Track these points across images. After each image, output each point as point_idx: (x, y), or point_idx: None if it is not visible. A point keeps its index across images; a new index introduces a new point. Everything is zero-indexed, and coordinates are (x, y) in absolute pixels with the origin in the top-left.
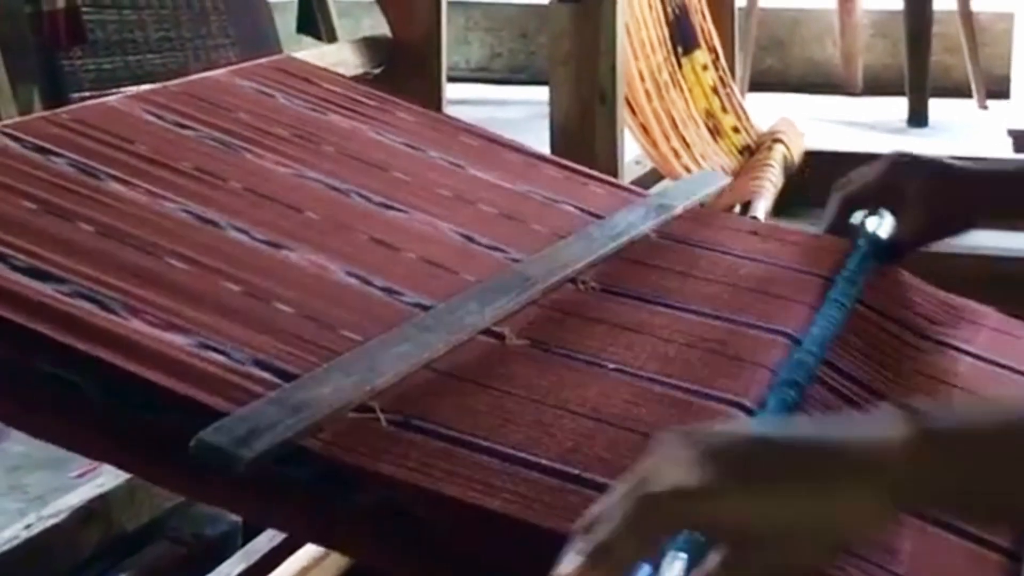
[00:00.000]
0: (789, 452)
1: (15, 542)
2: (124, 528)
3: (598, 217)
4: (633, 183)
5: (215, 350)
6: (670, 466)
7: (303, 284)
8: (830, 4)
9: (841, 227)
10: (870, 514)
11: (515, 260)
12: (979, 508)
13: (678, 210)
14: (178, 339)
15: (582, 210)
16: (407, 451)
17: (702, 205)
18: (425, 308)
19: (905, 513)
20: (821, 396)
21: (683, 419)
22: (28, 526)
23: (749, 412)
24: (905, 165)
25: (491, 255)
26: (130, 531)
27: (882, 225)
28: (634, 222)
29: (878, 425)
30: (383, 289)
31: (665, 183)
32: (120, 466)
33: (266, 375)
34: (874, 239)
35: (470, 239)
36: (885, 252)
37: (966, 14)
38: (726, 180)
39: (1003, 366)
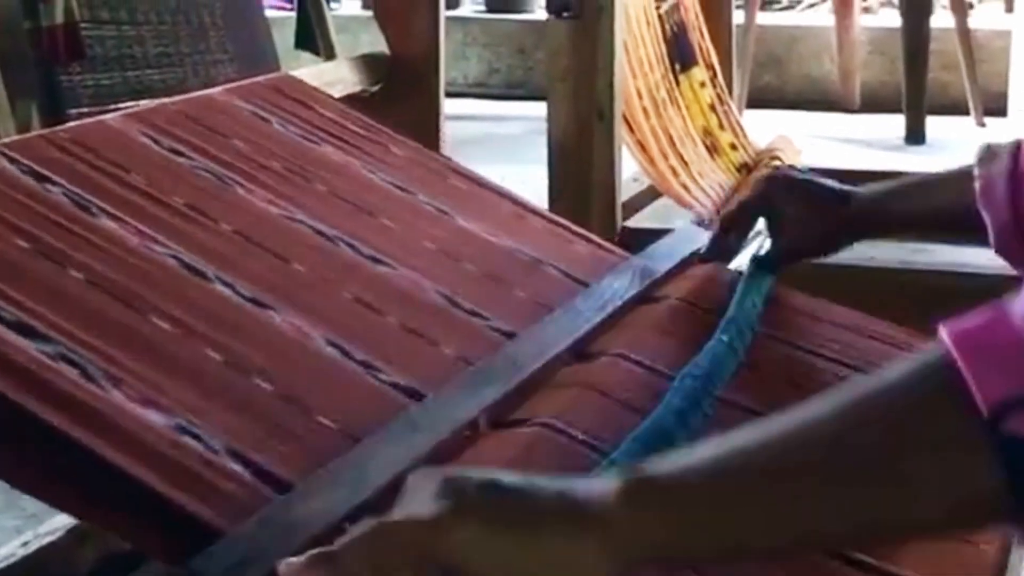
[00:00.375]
0: (520, 499)
1: (11, 560)
2: (120, 547)
3: (581, 283)
4: (631, 200)
5: (190, 435)
6: (411, 498)
7: (285, 354)
8: (828, 21)
9: (717, 251)
10: (586, 566)
11: (495, 329)
12: (706, 553)
13: (661, 273)
14: (156, 418)
15: (566, 274)
16: None
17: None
18: (400, 388)
19: (631, 567)
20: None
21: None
22: (25, 544)
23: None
24: (779, 185)
25: (472, 322)
26: (125, 550)
27: (762, 247)
28: (619, 290)
29: (601, 479)
30: (362, 363)
31: (663, 202)
32: (97, 524)
33: (236, 467)
34: (753, 260)
35: (453, 303)
36: (764, 267)
37: (964, 31)
38: (707, 236)
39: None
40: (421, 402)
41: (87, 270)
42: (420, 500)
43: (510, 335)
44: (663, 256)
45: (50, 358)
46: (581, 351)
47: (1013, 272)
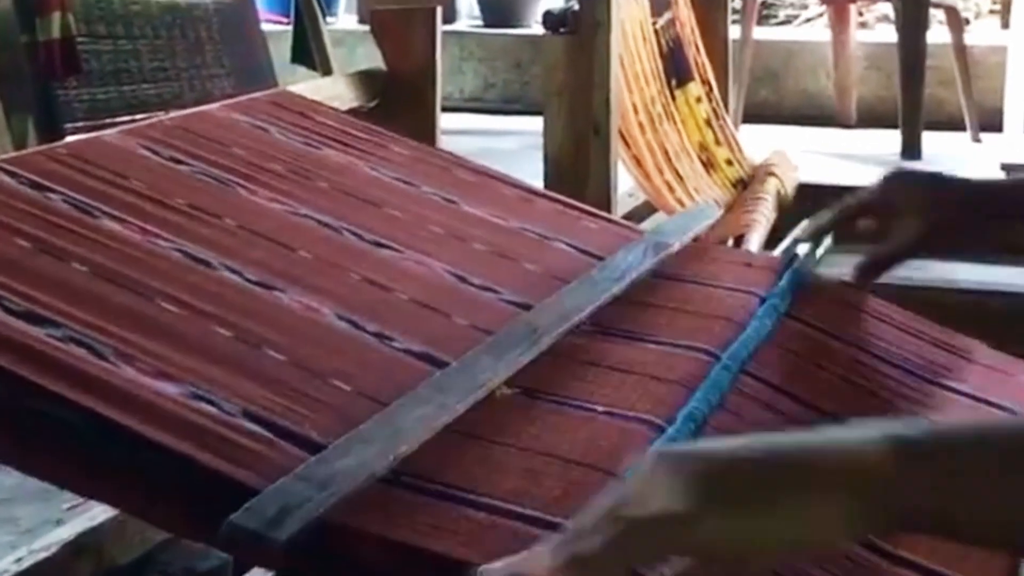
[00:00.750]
0: (765, 470)
1: None
2: (115, 562)
3: (591, 255)
4: (626, 216)
5: (206, 400)
6: (653, 490)
7: (294, 328)
8: (824, 36)
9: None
10: (842, 528)
11: (508, 301)
12: (961, 523)
13: (675, 247)
14: (169, 388)
15: (576, 248)
16: (393, 506)
17: (696, 239)
18: (414, 354)
19: (882, 529)
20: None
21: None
22: (19, 559)
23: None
24: (900, 178)
25: (483, 296)
26: (121, 565)
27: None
28: (633, 263)
29: (854, 438)
30: (374, 334)
31: (658, 216)
32: (114, 505)
33: (255, 427)
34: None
35: (462, 279)
36: (866, 269)
37: (960, 47)
38: (718, 213)
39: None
40: (445, 368)
41: (91, 264)
42: (662, 492)
43: (524, 306)
44: (675, 231)
45: (60, 341)
46: (601, 324)
47: None
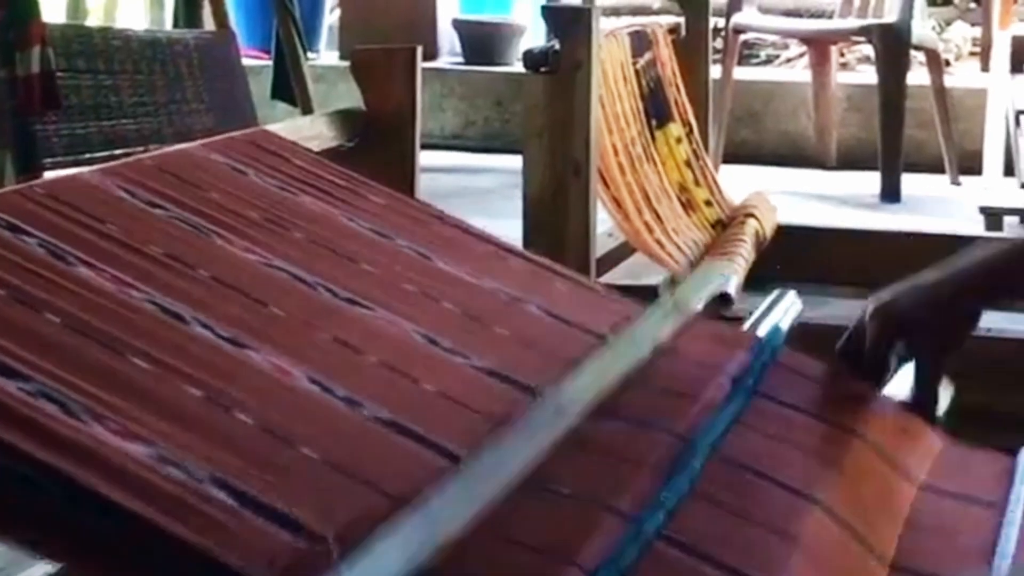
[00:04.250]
0: None
1: None
2: None
3: (562, 320)
4: (605, 256)
5: (174, 465)
6: None
7: (264, 390)
8: (805, 77)
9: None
10: None
11: (476, 368)
12: None
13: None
14: (138, 449)
15: (547, 312)
16: None
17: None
18: (382, 422)
19: None
20: None
21: None
22: None
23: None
24: (885, 310)
25: (453, 360)
26: None
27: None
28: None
29: None
30: (343, 399)
31: (638, 257)
32: (82, 570)
33: (222, 495)
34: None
35: (433, 342)
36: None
37: (940, 89)
38: (735, 281)
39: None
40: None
41: (64, 314)
42: None
43: (491, 373)
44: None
45: (30, 395)
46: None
47: None
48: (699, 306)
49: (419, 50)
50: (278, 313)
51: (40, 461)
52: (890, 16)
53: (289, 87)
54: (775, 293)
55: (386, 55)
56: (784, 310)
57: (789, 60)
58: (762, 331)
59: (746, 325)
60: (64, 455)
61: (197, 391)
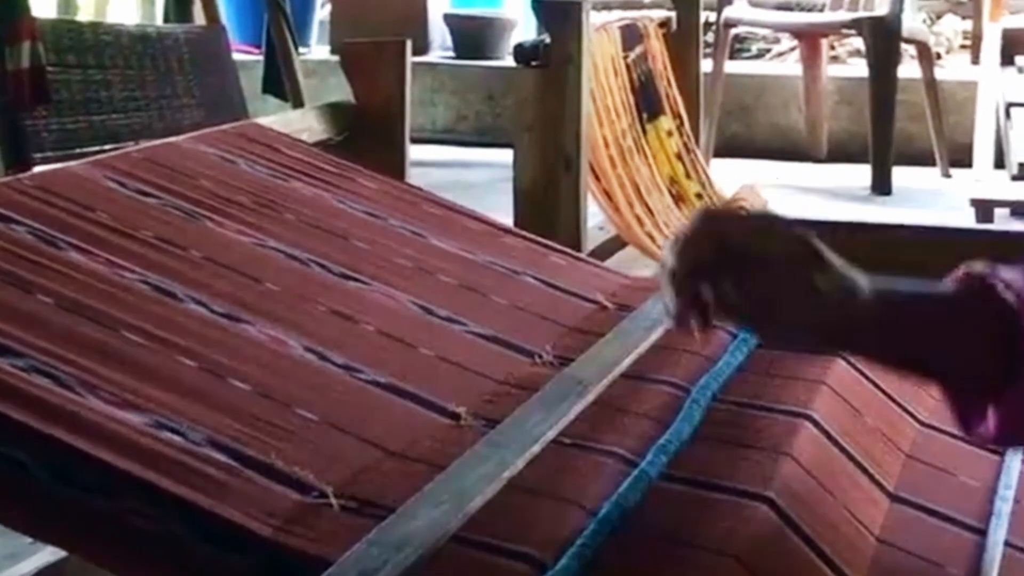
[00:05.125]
0: None
1: None
2: None
3: (559, 289)
4: (596, 249)
5: (171, 430)
6: None
7: (260, 359)
8: (796, 71)
9: None
10: None
11: (474, 333)
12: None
13: None
14: (134, 418)
15: (543, 281)
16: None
17: None
18: (381, 385)
19: None
20: None
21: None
22: None
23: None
24: None
25: (449, 327)
26: None
27: None
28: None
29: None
30: (341, 366)
31: (629, 250)
32: (70, 549)
33: (221, 456)
34: None
35: (428, 311)
36: None
37: (931, 82)
38: None
39: None
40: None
41: (56, 295)
42: None
43: (489, 338)
44: None
45: (23, 371)
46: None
47: None
48: None
49: (408, 43)
50: (273, 288)
51: (33, 430)
52: (881, 9)
53: (280, 82)
54: None
55: (375, 48)
56: None
57: (780, 54)
58: None
59: None
60: (57, 424)
61: (192, 362)
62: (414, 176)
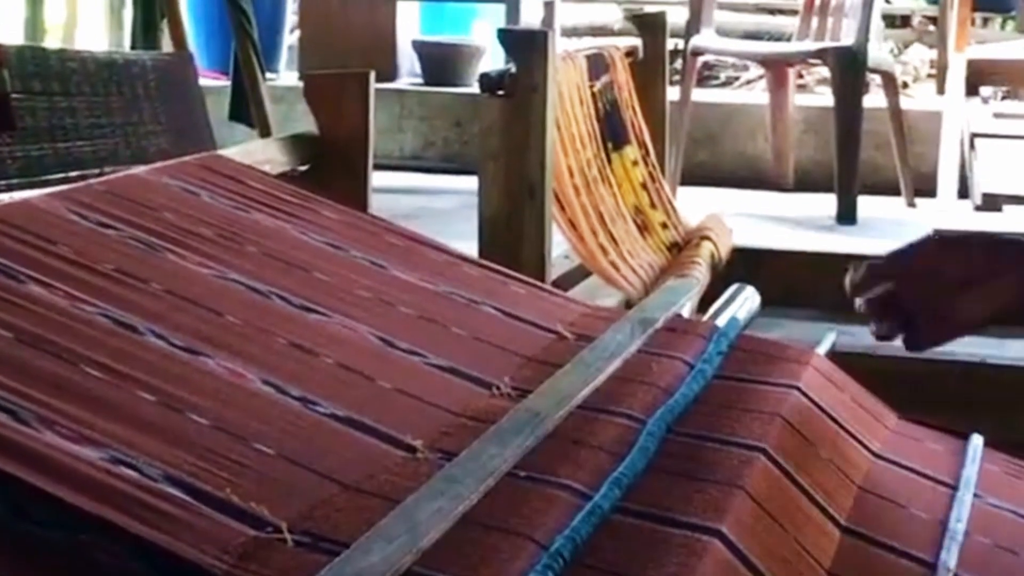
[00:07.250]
0: None
1: None
2: None
3: (519, 319)
4: (560, 278)
5: (127, 465)
6: None
7: (218, 393)
8: (762, 99)
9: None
10: None
11: (433, 365)
12: None
13: (659, 324)
14: (91, 453)
15: (503, 311)
16: None
17: (679, 315)
18: (339, 419)
19: None
20: None
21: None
22: None
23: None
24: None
25: (409, 360)
26: None
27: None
28: (623, 342)
29: None
30: (298, 399)
31: (593, 280)
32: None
33: (176, 492)
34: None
35: (388, 343)
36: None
37: (896, 112)
38: (698, 288)
39: None
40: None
41: (14, 329)
42: None
43: (448, 370)
44: (658, 308)
45: None
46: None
47: None
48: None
49: (372, 74)
50: (232, 321)
51: None
52: (847, 39)
53: (247, 108)
54: (734, 287)
55: (338, 80)
56: (743, 301)
57: (748, 82)
58: (721, 321)
59: (706, 316)
60: (12, 460)
61: (151, 396)
62: (381, 203)
